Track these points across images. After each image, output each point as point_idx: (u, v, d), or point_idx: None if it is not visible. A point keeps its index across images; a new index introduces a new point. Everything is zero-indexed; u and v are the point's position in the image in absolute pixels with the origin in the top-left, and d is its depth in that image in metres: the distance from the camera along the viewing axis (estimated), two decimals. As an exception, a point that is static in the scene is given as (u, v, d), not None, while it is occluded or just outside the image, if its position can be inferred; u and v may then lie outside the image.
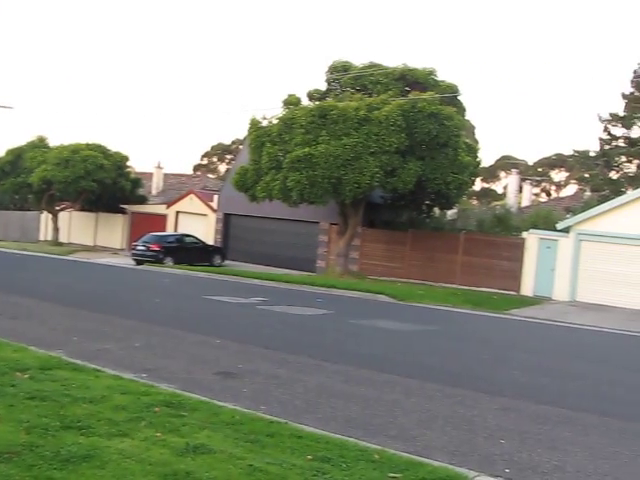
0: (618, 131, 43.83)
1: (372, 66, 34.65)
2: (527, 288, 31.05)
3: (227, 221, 44.18)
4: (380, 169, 29.94)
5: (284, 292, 26.97)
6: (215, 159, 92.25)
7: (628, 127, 43.54)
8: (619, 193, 35.51)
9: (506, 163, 72.47)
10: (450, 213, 40.92)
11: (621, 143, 43.70)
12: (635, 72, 43.26)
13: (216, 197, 45.37)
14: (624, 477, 7.59)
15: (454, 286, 31.97)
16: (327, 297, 25.68)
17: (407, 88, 33.16)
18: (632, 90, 43.17)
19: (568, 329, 22.47)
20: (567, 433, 9.08)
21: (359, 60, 36.72)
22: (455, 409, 9.87)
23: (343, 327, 18.34)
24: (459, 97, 34.65)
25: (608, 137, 43.65)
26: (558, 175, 74.31)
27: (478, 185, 73.81)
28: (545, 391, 11.81)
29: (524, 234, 31.82)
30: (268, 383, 10.66)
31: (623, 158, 43.84)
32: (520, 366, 14.11)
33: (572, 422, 9.66)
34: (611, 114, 43.33)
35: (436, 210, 38.07)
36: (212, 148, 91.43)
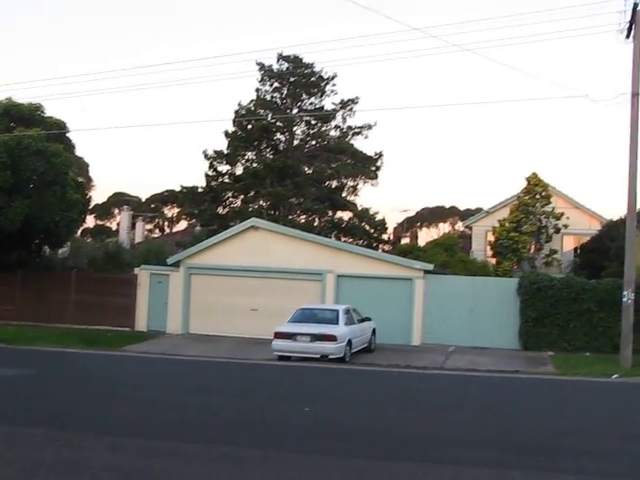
0: (224, 168, 45.96)
1: (-29, 101, 32.90)
2: (141, 324, 31.20)
3: None
4: (-16, 208, 28.51)
5: None
6: None
7: (232, 164, 45.86)
8: (227, 227, 37.04)
9: (120, 200, 72.50)
10: (62, 251, 39.99)
11: (227, 179, 45.86)
12: (237, 112, 45.71)
13: None
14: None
15: (68, 326, 31.20)
16: None
17: (12, 124, 31.95)
18: (234, 129, 45.54)
19: (179, 361, 23.00)
20: (172, 465, 9.29)
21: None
22: (61, 453, 9.66)
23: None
24: (68, 134, 34.07)
25: (214, 174, 45.58)
26: (170, 211, 75.88)
27: (92, 223, 73.15)
28: (152, 425, 11.96)
29: (136, 270, 32.01)
30: None
31: (229, 194, 46.03)
32: (129, 402, 14.17)
33: (177, 453, 9.88)
34: (216, 151, 45.29)
35: (47, 249, 36.99)
36: None
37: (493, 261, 41.59)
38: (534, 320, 26.88)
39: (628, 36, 22.59)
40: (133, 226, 54.49)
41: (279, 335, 22.99)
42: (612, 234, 34.37)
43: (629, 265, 22.84)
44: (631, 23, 22.39)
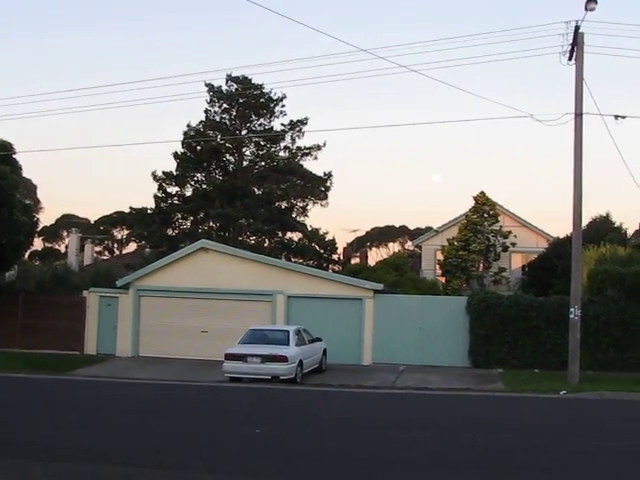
0: (173, 189, 45.75)
1: None
2: (91, 347, 30.80)
3: None
4: None
5: None
6: None
7: (182, 185, 45.67)
8: (177, 248, 36.78)
9: (68, 222, 71.73)
10: (9, 274, 39.39)
11: (176, 201, 45.63)
12: (186, 133, 45.60)
13: None
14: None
15: (15, 350, 30.67)
16: None
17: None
18: (184, 150, 45.36)
19: (128, 384, 22.78)
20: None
21: None
22: (6, 480, 9.50)
23: None
24: (14, 155, 33.63)
25: (163, 195, 45.33)
26: (120, 233, 75.26)
27: (40, 245, 72.17)
28: (98, 450, 11.76)
29: (85, 293, 31.63)
30: None
31: (179, 215, 45.80)
32: (75, 427, 13.96)
33: (126, 479, 9.81)
34: (165, 173, 45.05)
35: (-7, 272, 36.41)
36: None
37: (442, 280, 41.94)
38: (483, 338, 27.11)
39: (570, 58, 23.09)
40: (82, 248, 53.88)
41: (230, 357, 22.88)
42: (559, 252, 34.88)
43: (575, 282, 23.22)
44: (573, 46, 22.89)
